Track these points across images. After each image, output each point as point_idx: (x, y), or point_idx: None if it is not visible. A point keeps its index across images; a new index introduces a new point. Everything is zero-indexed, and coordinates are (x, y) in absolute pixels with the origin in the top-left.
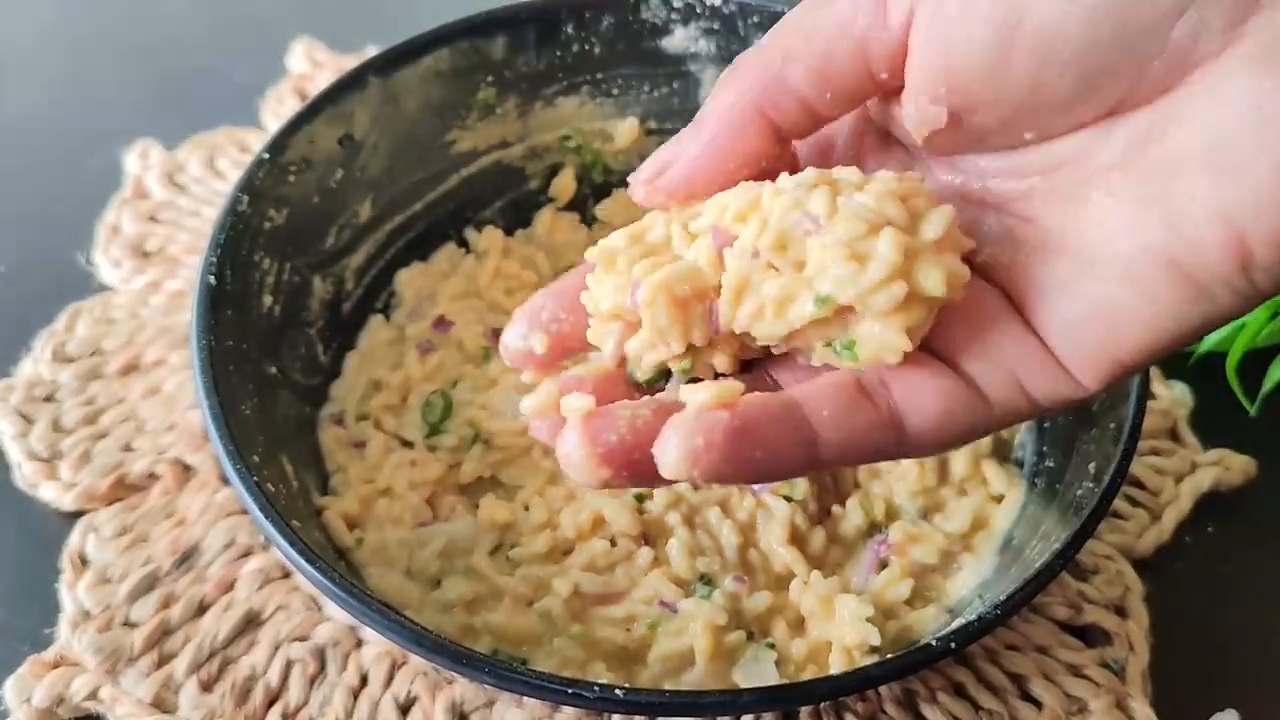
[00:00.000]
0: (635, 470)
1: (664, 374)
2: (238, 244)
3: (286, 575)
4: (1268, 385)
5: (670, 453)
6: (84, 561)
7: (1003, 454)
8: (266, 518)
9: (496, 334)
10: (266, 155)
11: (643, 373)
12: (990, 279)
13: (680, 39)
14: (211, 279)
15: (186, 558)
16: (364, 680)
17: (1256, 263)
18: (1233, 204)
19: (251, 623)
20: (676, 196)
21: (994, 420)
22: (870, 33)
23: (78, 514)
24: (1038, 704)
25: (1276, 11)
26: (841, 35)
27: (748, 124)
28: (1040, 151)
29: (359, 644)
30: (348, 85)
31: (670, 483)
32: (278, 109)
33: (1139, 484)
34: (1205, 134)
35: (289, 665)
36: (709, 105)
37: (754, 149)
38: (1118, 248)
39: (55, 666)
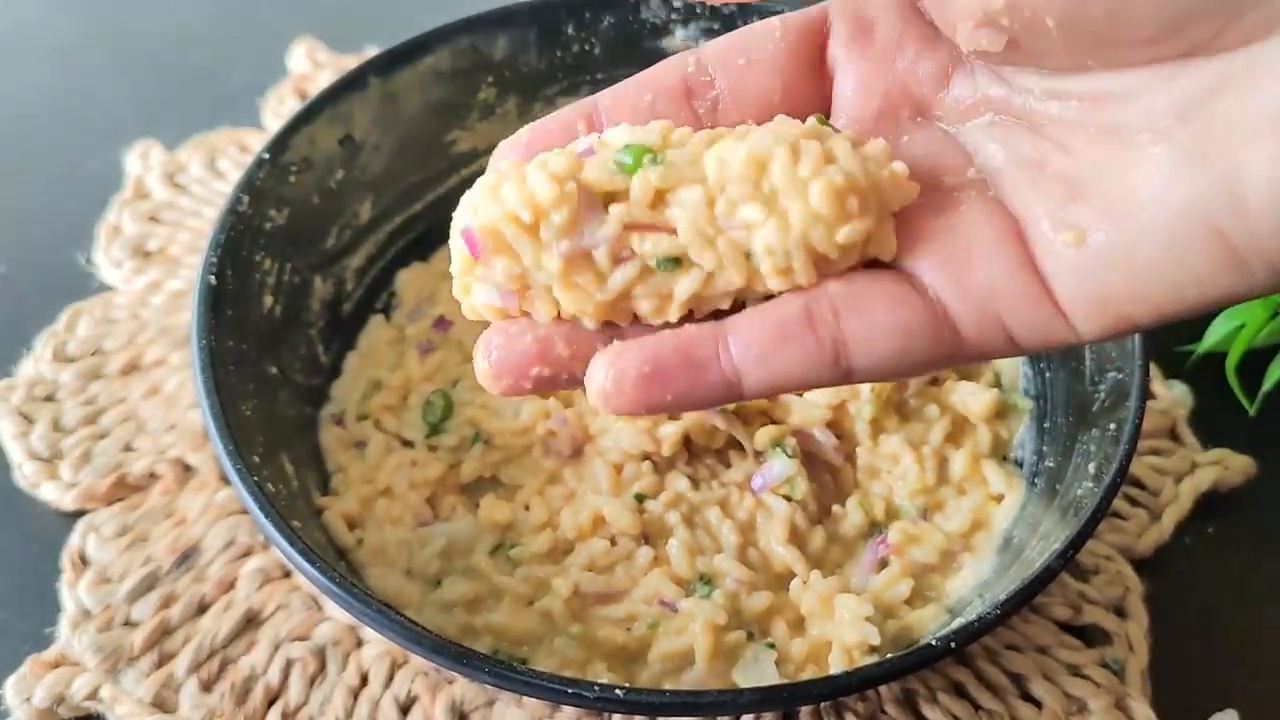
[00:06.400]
0: (538, 383)
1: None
2: (238, 244)
3: (287, 575)
4: (1267, 385)
5: (590, 387)
6: (84, 561)
7: (1002, 454)
8: (267, 517)
9: None
10: (267, 155)
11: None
12: (1007, 203)
13: (681, 39)
14: (212, 279)
15: (186, 557)
16: (364, 680)
17: None
18: None
19: (251, 622)
20: None
21: (966, 354)
22: None
23: (78, 514)
24: (1038, 704)
25: None
26: None
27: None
28: (1092, 78)
29: (359, 644)
30: (348, 85)
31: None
32: (278, 109)
33: (1139, 484)
34: (1276, 99)
35: (289, 665)
36: None
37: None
38: (1158, 200)
39: (56, 666)
